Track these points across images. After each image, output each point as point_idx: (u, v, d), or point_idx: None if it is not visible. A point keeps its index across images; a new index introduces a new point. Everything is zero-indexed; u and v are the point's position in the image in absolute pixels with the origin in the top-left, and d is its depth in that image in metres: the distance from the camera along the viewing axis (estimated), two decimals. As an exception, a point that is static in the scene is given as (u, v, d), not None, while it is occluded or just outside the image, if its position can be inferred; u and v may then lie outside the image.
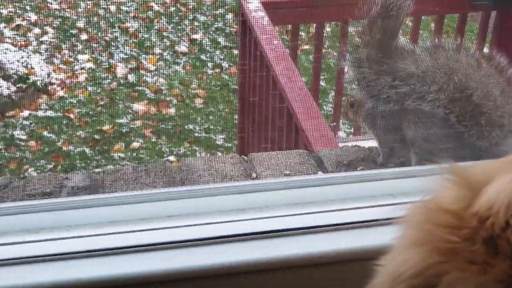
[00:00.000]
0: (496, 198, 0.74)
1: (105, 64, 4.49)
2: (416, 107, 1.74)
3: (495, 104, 1.74)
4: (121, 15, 4.71)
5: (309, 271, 1.20)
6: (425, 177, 1.32)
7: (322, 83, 4.20)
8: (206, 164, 1.61)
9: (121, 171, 1.57)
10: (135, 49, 4.62)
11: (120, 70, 4.42)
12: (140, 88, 4.38)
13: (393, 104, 1.76)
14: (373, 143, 3.31)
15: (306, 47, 4.65)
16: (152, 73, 4.48)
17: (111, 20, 4.71)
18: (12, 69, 4.16)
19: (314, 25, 4.05)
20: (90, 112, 4.18)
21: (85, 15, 4.83)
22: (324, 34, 3.82)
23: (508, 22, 3.82)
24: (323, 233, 1.22)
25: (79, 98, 4.26)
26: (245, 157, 1.66)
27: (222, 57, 4.59)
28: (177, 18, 4.81)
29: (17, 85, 4.14)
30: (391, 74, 1.79)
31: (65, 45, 4.57)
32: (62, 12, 4.55)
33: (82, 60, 4.50)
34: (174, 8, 4.89)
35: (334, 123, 3.71)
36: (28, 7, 4.54)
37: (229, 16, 4.88)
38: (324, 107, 4.16)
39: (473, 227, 0.74)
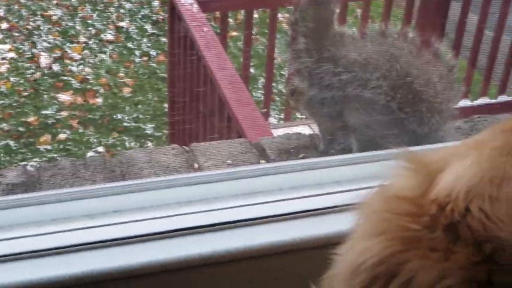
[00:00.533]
0: (454, 184, 0.75)
1: (27, 53, 4.35)
2: (357, 93, 1.76)
3: (435, 91, 1.78)
4: (43, 3, 4.56)
5: (259, 262, 1.19)
6: (371, 163, 1.34)
7: (252, 70, 4.19)
8: (147, 156, 1.58)
9: (58, 165, 1.53)
10: (59, 38, 4.49)
11: (44, 59, 4.29)
12: (65, 78, 4.26)
13: (334, 91, 1.77)
14: (305, 129, 3.33)
15: (234, 33, 4.63)
16: (78, 62, 4.37)
17: (32, 8, 4.56)
18: None
19: (242, 12, 4.04)
20: (14, 104, 4.04)
21: (4, 3, 4.67)
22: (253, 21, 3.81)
23: (432, 6, 3.91)
24: (272, 224, 1.21)
25: (1, 89, 4.12)
26: (186, 148, 1.64)
27: (150, 45, 4.52)
28: (102, 5, 4.70)
29: None
30: (333, 62, 1.80)
31: (-15, 35, 4.40)
32: (-20, 0, 4.39)
33: (3, 50, 4.34)
34: (99, -5, 4.79)
35: (265, 110, 3.71)
36: None
37: (156, 3, 4.80)
38: (254, 93, 4.16)
39: (433, 214, 0.74)
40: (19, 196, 1.20)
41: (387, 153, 1.34)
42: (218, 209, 1.21)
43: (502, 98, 3.87)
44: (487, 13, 3.93)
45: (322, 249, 1.06)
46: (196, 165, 1.60)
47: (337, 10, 1.99)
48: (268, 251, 1.19)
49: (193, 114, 3.46)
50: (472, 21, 4.00)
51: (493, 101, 3.87)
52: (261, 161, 1.68)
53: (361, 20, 3.80)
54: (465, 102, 3.51)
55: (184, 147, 1.64)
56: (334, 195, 1.25)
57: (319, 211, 1.22)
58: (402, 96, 1.76)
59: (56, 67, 4.29)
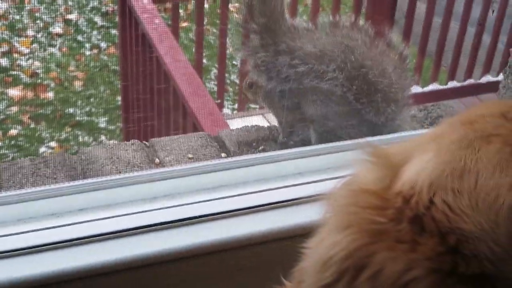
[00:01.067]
0: (417, 177, 0.78)
1: (-27, 48, 4.25)
2: (314, 85, 1.78)
3: (390, 81, 1.81)
4: (-11, -4, 4.46)
5: (224, 255, 1.21)
6: (331, 154, 1.37)
7: (204, 60, 4.18)
8: (108, 152, 1.58)
9: (17, 164, 1.51)
10: (6, 32, 4.40)
11: (-9, 54, 4.20)
12: (14, 72, 4.18)
13: (292, 84, 1.78)
14: (259, 119, 3.35)
15: (185, 24, 4.61)
16: (26, 56, 4.29)
17: (-23, 1, 4.45)
18: None
19: (193, 2, 4.02)
20: (-39, 100, 3.95)
21: None
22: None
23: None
24: (237, 217, 1.23)
25: None
26: (146, 143, 1.64)
27: (100, 37, 4.46)
28: (49, -3, 4.61)
29: None
30: (289, 54, 1.81)
31: None
32: None
33: None
34: (46, -12, 4.71)
35: (219, 100, 3.72)
36: None
37: (104, -6, 4.74)
38: (207, 84, 4.16)
39: (398, 207, 0.77)
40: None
41: (346, 144, 1.38)
42: (183, 205, 1.23)
43: (452, 84, 3.95)
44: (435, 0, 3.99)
45: (287, 240, 1.09)
46: (157, 160, 1.61)
47: (287, 1, 1.99)
48: (234, 244, 1.21)
49: (148, 107, 3.44)
50: (421, 9, 4.07)
51: (443, 87, 3.95)
52: (222, 154, 1.69)
53: (312, 9, 3.83)
54: (416, 89, 3.58)
55: (145, 142, 1.64)
56: (297, 187, 1.27)
57: (283, 203, 1.24)
58: (358, 87, 1.79)
59: (4, 62, 4.21)
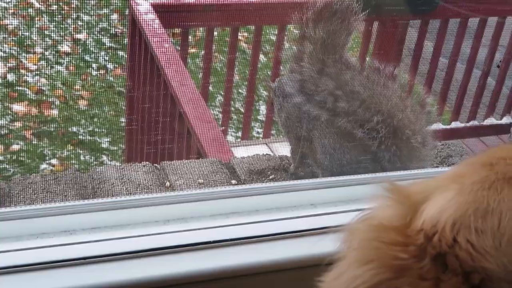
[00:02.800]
0: (439, 215, 0.78)
1: (-19, 62, 4.27)
2: (348, 129, 1.72)
3: (424, 144, 1.77)
4: (-1, 11, 4.49)
5: (236, 282, 1.20)
6: (345, 187, 1.37)
7: (210, 87, 4.20)
8: (118, 172, 1.58)
9: (28, 179, 1.51)
10: (15, 48, 4.43)
11: (-2, 69, 4.22)
12: (20, 88, 4.20)
13: (323, 113, 1.73)
14: (263, 148, 3.36)
15: (193, 50, 4.64)
16: (33, 73, 4.31)
17: (-12, 16, 4.48)
18: None
19: (201, 29, 4.05)
20: (-35, 114, 3.96)
21: (-43, 10, 4.56)
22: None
23: (388, 31, 3.98)
24: (247, 245, 1.22)
25: (-48, 98, 4.03)
26: (157, 166, 1.64)
27: (107, 58, 4.49)
28: (59, 16, 4.65)
29: None
30: (335, 82, 1.75)
31: None
32: None
33: (-44, 58, 4.25)
34: (56, 6, 4.74)
35: (223, 127, 3.73)
36: None
37: (114, 16, 4.78)
38: (212, 111, 4.17)
39: (420, 244, 0.77)
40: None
41: (361, 178, 1.38)
42: (195, 229, 1.23)
43: (455, 125, 3.97)
44: (442, 41, 4.03)
45: (299, 271, 1.09)
46: (167, 184, 1.61)
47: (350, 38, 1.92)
48: (244, 272, 1.21)
49: (152, 129, 3.45)
50: (427, 47, 4.11)
51: (445, 127, 3.97)
52: (232, 181, 1.70)
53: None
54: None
55: (155, 165, 1.65)
56: (310, 218, 1.27)
57: (296, 233, 1.24)
58: (392, 143, 1.75)
59: (10, 77, 4.23)
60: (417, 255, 0.76)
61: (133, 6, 3.53)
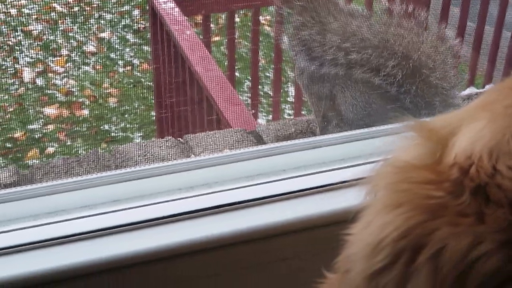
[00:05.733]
0: (472, 146, 0.72)
1: (10, 69, 4.31)
2: (366, 78, 1.69)
3: (450, 84, 1.72)
4: (23, 18, 4.53)
5: (266, 243, 1.16)
6: (375, 138, 1.32)
7: (236, 73, 4.18)
8: (142, 149, 1.55)
9: (50, 163, 1.49)
10: (41, 52, 4.46)
11: (27, 74, 4.25)
12: (49, 91, 4.23)
13: (339, 69, 1.69)
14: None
15: (216, 38, 4.62)
16: (61, 75, 4.33)
17: (12, 23, 4.52)
18: None
19: (223, 15, 4.03)
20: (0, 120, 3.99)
21: (-18, 21, 4.61)
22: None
23: None
24: (276, 203, 1.18)
25: (-14, 106, 4.07)
26: (181, 139, 1.61)
27: (132, 54, 4.49)
28: (82, 17, 4.66)
29: None
30: (340, 36, 1.71)
31: (-34, 53, 4.36)
32: (-41, 18, 4.34)
33: (-14, 67, 4.29)
34: (78, 8, 4.75)
35: (253, 111, 3.70)
36: None
37: (136, 12, 4.78)
38: (240, 96, 4.14)
39: (455, 179, 0.70)
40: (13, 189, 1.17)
41: (390, 128, 1.32)
42: (221, 191, 1.19)
43: (488, 87, 3.88)
44: (468, 4, 3.95)
45: (328, 228, 1.04)
46: (192, 156, 1.57)
47: None
48: (274, 231, 1.17)
49: (181, 118, 3.44)
50: (454, 13, 4.02)
51: (480, 90, 3.88)
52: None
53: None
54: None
55: (179, 139, 1.61)
56: (339, 171, 1.22)
57: (325, 187, 1.19)
58: (411, 84, 1.70)
59: (40, 81, 4.26)
60: (454, 191, 0.70)
61: (152, -2, 3.53)
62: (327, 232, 1.09)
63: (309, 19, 1.75)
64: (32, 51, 4.41)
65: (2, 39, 4.42)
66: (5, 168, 1.82)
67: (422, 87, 1.68)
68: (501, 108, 0.74)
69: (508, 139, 0.70)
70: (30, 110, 4.05)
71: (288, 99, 4.29)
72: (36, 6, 4.50)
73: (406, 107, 1.68)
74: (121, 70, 4.37)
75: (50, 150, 3.85)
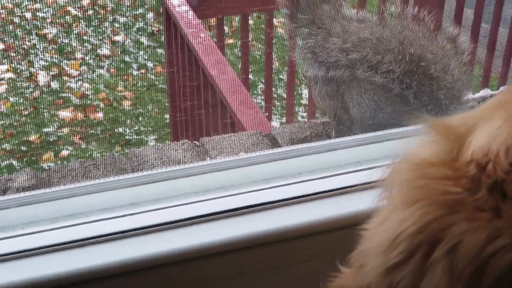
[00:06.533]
0: (489, 144, 0.72)
1: (25, 73, 4.34)
2: (367, 77, 1.71)
3: (453, 78, 1.73)
4: (38, 22, 4.56)
5: (282, 246, 1.16)
6: (391, 141, 1.32)
7: (250, 76, 4.18)
8: (157, 153, 1.56)
9: (67, 167, 1.50)
10: (56, 55, 4.48)
11: (42, 77, 4.28)
12: (64, 94, 4.25)
13: (343, 71, 1.71)
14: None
15: (230, 41, 4.63)
16: (76, 79, 4.36)
17: (27, 27, 4.55)
18: None
19: (237, 18, 4.04)
20: (15, 123, 4.02)
21: (-1, 24, 4.64)
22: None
23: None
24: (291, 206, 1.18)
25: (1, 109, 4.10)
26: (196, 142, 1.61)
27: (147, 57, 4.51)
28: (96, 21, 4.69)
29: None
30: (341, 38, 1.73)
31: (-19, 57, 4.39)
32: (-25, 22, 4.38)
33: (1, 70, 4.33)
34: (92, 11, 4.78)
35: (267, 114, 3.71)
36: None
37: (150, 15, 4.80)
38: (254, 99, 4.14)
39: (472, 175, 0.71)
40: (32, 193, 1.18)
41: (405, 130, 1.32)
42: (237, 194, 1.19)
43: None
44: (483, 6, 3.94)
45: (347, 230, 1.04)
46: (208, 159, 1.58)
47: None
48: (291, 234, 1.17)
49: (195, 121, 3.44)
50: (467, 14, 4.01)
51: (495, 92, 3.86)
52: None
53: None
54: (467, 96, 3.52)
55: (195, 142, 1.62)
56: (355, 173, 1.22)
57: (341, 190, 1.19)
58: (410, 79, 1.72)
59: (54, 85, 4.28)
60: (471, 187, 0.71)
61: (166, 1, 3.55)
62: (345, 234, 1.09)
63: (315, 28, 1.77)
64: (47, 54, 4.44)
65: (18, 43, 4.45)
66: (23, 172, 1.83)
67: (422, 81, 1.70)
68: None
69: None
70: (45, 113, 4.07)
71: (302, 101, 4.29)
72: (51, 9, 4.53)
73: (411, 104, 1.69)
74: (135, 73, 4.39)
75: (65, 153, 3.87)
